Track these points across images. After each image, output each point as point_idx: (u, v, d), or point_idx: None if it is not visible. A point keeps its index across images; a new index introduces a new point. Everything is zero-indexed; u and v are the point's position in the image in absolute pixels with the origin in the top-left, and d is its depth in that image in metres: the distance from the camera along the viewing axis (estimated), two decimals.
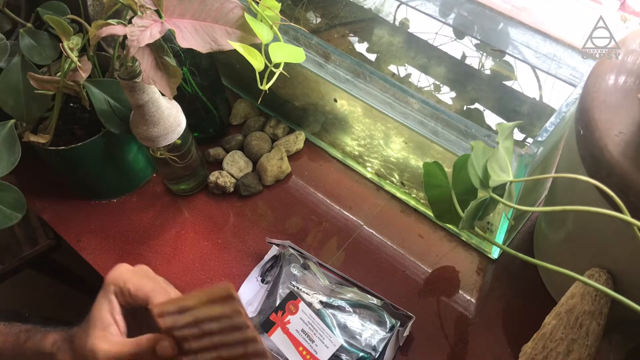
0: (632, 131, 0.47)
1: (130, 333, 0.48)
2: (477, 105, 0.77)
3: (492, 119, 0.75)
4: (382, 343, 0.65)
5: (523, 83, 0.77)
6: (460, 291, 0.71)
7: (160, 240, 0.79)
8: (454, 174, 0.58)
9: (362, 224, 0.78)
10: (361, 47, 0.85)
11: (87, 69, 0.66)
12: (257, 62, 0.59)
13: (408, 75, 0.81)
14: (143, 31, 0.55)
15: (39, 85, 0.65)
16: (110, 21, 0.58)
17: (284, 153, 0.83)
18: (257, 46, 0.60)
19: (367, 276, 0.73)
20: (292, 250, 0.72)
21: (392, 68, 0.82)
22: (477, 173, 0.53)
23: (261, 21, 0.62)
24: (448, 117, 0.60)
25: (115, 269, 0.48)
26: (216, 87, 0.85)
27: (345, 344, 0.64)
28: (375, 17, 0.89)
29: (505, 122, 0.73)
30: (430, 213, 0.76)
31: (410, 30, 0.86)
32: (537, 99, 0.76)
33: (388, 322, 0.66)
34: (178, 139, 0.72)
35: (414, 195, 0.78)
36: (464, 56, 0.82)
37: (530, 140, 0.72)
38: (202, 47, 0.60)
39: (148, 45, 0.57)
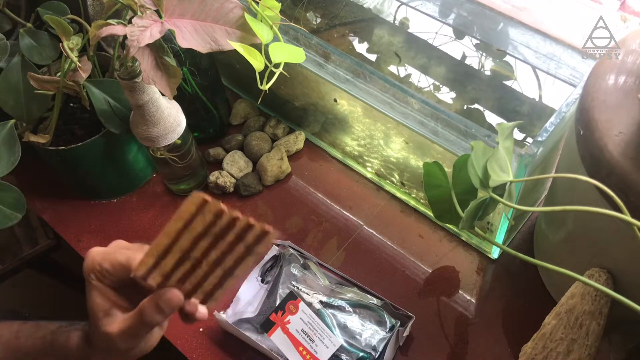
0: (632, 131, 0.47)
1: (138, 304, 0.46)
2: (477, 105, 0.77)
3: (492, 119, 0.75)
4: (382, 343, 0.65)
5: (523, 83, 0.77)
6: (460, 291, 0.71)
7: None
8: (454, 174, 0.58)
9: (362, 224, 0.78)
10: (361, 47, 0.85)
11: (87, 69, 0.66)
12: (257, 62, 0.59)
13: (408, 75, 0.81)
14: (143, 31, 0.55)
15: (39, 85, 0.65)
16: (110, 21, 0.58)
17: (284, 153, 0.83)
18: (257, 46, 0.60)
19: (367, 276, 0.73)
20: (292, 250, 0.73)
21: (392, 68, 0.82)
22: (477, 173, 0.53)
23: (261, 21, 0.62)
24: (448, 117, 0.60)
25: (86, 256, 0.46)
26: (216, 87, 0.85)
27: (345, 344, 0.64)
28: (375, 17, 0.89)
29: (505, 122, 0.73)
30: (430, 213, 0.76)
31: (410, 30, 0.86)
32: (537, 99, 0.76)
33: (388, 322, 0.66)
34: (178, 139, 0.72)
35: (414, 195, 0.78)
36: (464, 56, 0.82)
37: (530, 140, 0.72)
38: (202, 47, 0.60)
39: (148, 45, 0.57)
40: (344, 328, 0.65)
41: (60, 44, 0.63)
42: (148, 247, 0.42)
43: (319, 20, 0.89)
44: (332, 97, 0.76)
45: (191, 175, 0.80)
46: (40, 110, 0.70)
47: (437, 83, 0.80)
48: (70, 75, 0.67)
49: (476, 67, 0.81)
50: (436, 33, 0.84)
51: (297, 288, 0.68)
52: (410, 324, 0.66)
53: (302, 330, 0.65)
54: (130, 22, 0.56)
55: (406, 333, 0.65)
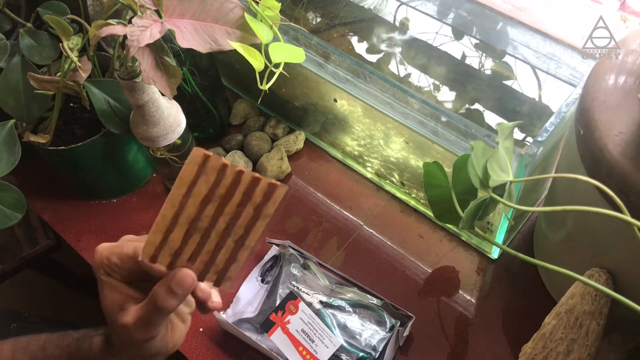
0: (632, 131, 0.47)
1: None
2: (477, 105, 0.77)
3: (492, 119, 0.75)
4: (382, 343, 0.65)
5: (523, 83, 0.77)
6: (460, 291, 0.71)
7: None
8: (454, 174, 0.58)
9: (362, 224, 0.78)
10: (361, 47, 0.85)
11: (87, 69, 0.66)
12: (257, 62, 0.59)
13: (408, 75, 0.81)
14: (143, 31, 0.55)
15: (39, 85, 0.65)
16: (110, 21, 0.58)
17: (284, 153, 0.83)
18: (257, 46, 0.60)
19: (367, 276, 0.73)
20: (292, 250, 0.72)
21: (392, 68, 0.82)
22: (477, 173, 0.53)
23: (261, 21, 0.62)
24: (448, 117, 0.60)
25: (95, 253, 0.44)
26: (216, 87, 0.85)
27: (345, 344, 0.64)
28: (375, 17, 0.89)
29: (505, 122, 0.73)
30: (430, 213, 0.76)
31: (410, 30, 0.86)
32: (537, 99, 0.76)
33: (388, 322, 0.66)
34: (178, 139, 0.72)
35: (414, 195, 0.78)
36: (463, 56, 0.82)
37: (530, 140, 0.72)
38: (202, 47, 0.60)
39: (148, 45, 0.57)
40: (344, 328, 0.65)
41: (60, 44, 0.63)
42: (154, 224, 0.40)
43: (319, 20, 0.89)
44: (332, 97, 0.76)
45: None
46: (40, 110, 0.70)
47: (437, 83, 0.80)
48: (70, 75, 0.67)
49: (476, 67, 0.81)
50: (436, 33, 0.84)
51: (297, 288, 0.68)
52: (410, 324, 0.66)
53: (302, 330, 0.65)
54: (130, 22, 0.56)
55: (406, 333, 0.65)
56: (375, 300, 0.68)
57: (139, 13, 0.57)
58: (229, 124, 0.90)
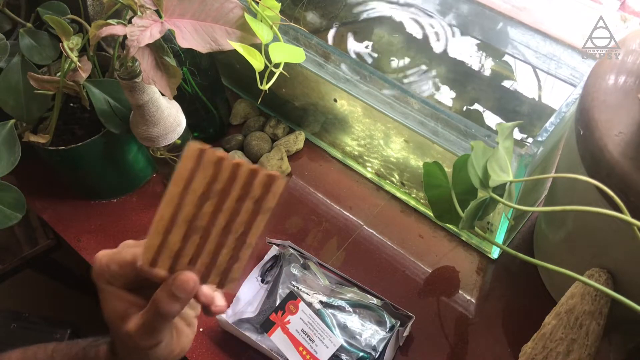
0: (632, 131, 0.47)
1: None
2: (477, 106, 0.77)
3: (492, 119, 0.75)
4: (382, 343, 0.65)
5: (523, 83, 0.77)
6: (460, 291, 0.71)
7: None
8: (454, 174, 0.58)
9: (362, 224, 0.78)
10: (361, 47, 0.85)
11: (87, 69, 0.66)
12: (257, 62, 0.59)
13: (407, 75, 0.81)
14: (143, 31, 0.55)
15: (39, 85, 0.65)
16: (110, 21, 0.58)
17: (284, 153, 0.83)
18: (257, 46, 0.60)
19: (367, 276, 0.73)
20: (292, 250, 0.73)
21: (392, 67, 0.82)
22: (477, 173, 0.53)
23: (261, 21, 0.62)
24: (448, 117, 0.60)
25: (93, 261, 0.43)
26: (216, 87, 0.85)
27: (345, 344, 0.64)
28: (375, 17, 0.89)
29: (505, 122, 0.73)
30: (430, 213, 0.76)
31: (410, 31, 0.86)
32: (537, 99, 0.76)
33: (388, 322, 0.66)
34: (178, 139, 0.72)
35: (414, 195, 0.78)
36: (463, 56, 0.82)
37: (530, 140, 0.72)
38: (202, 47, 0.60)
39: (148, 45, 0.57)
40: (344, 328, 0.65)
41: (60, 44, 0.63)
42: (152, 225, 0.38)
43: (318, 20, 0.89)
44: (332, 97, 0.76)
45: None
46: (40, 110, 0.70)
47: (437, 83, 0.80)
48: (70, 75, 0.67)
49: (476, 67, 0.81)
50: (436, 33, 0.84)
51: (297, 288, 0.68)
52: (410, 324, 0.66)
53: (302, 330, 0.65)
54: (130, 22, 0.56)
55: (406, 333, 0.65)
56: (375, 300, 0.68)
57: (139, 13, 0.57)
58: (229, 124, 0.90)
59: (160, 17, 0.58)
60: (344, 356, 0.64)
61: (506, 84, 0.78)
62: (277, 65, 0.60)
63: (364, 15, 0.88)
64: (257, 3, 0.62)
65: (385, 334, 0.65)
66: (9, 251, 0.89)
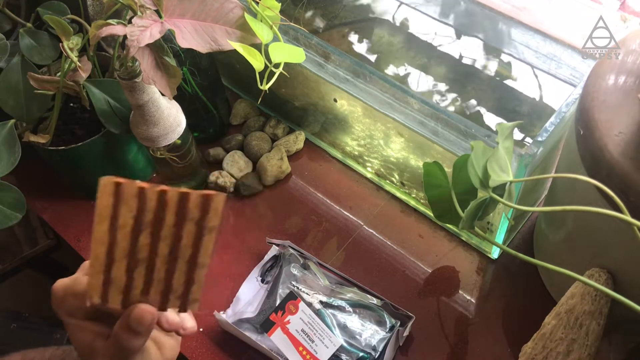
0: (632, 131, 0.47)
1: None
2: (477, 106, 0.77)
3: (492, 119, 0.75)
4: (382, 343, 0.65)
5: (523, 83, 0.77)
6: (460, 291, 0.71)
7: None
8: (454, 174, 0.58)
9: (362, 224, 0.78)
10: (361, 47, 0.85)
11: (87, 69, 0.66)
12: (257, 62, 0.59)
13: (408, 75, 0.81)
14: (143, 31, 0.55)
15: (39, 85, 0.65)
16: (110, 21, 0.58)
17: (284, 153, 0.83)
18: (257, 46, 0.60)
19: (367, 276, 0.73)
20: (292, 250, 0.73)
21: (392, 68, 0.82)
22: (477, 173, 0.53)
23: (261, 21, 0.62)
24: (448, 117, 0.60)
25: (51, 294, 0.41)
26: (216, 87, 0.85)
27: (345, 344, 0.64)
28: (375, 17, 0.89)
29: (505, 122, 0.74)
30: (430, 213, 0.76)
31: (410, 31, 0.86)
32: (537, 99, 0.76)
33: (388, 322, 0.66)
34: (178, 139, 0.72)
35: (414, 195, 0.78)
36: (463, 56, 0.82)
37: (530, 140, 0.72)
38: (202, 47, 0.60)
39: (148, 45, 0.57)
40: (344, 328, 0.65)
41: (60, 44, 0.63)
42: (89, 266, 0.36)
43: (318, 20, 0.89)
44: (332, 97, 0.76)
45: (191, 176, 0.80)
46: (40, 110, 0.70)
47: (437, 83, 0.80)
48: (70, 75, 0.67)
49: (476, 67, 0.81)
50: (436, 33, 0.84)
51: (297, 288, 0.68)
52: (410, 324, 0.66)
53: (302, 330, 0.65)
54: (130, 22, 0.56)
55: (406, 333, 0.65)
56: (375, 300, 0.68)
57: (139, 13, 0.57)
58: (229, 124, 0.90)
59: (160, 17, 0.58)
60: (344, 356, 0.64)
61: (506, 83, 0.78)
62: (277, 65, 0.60)
63: (364, 15, 0.89)
64: (257, 3, 0.62)
65: (385, 334, 0.65)
66: (9, 251, 0.89)
